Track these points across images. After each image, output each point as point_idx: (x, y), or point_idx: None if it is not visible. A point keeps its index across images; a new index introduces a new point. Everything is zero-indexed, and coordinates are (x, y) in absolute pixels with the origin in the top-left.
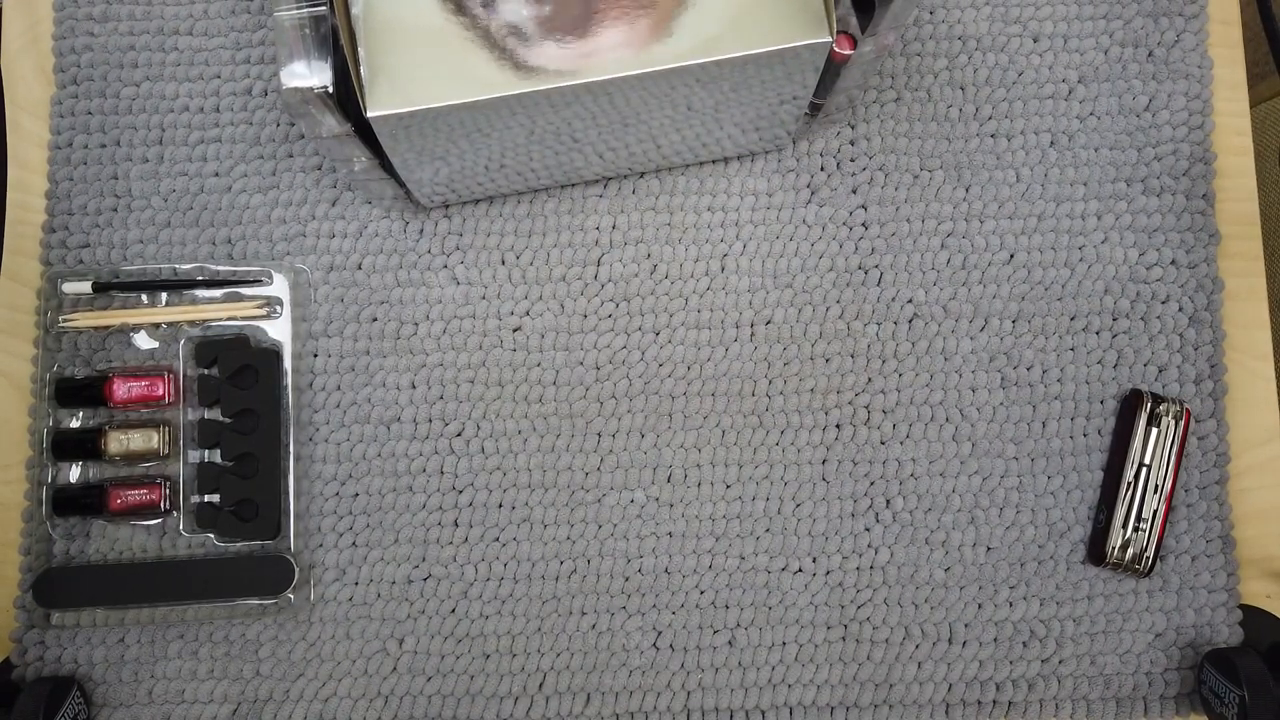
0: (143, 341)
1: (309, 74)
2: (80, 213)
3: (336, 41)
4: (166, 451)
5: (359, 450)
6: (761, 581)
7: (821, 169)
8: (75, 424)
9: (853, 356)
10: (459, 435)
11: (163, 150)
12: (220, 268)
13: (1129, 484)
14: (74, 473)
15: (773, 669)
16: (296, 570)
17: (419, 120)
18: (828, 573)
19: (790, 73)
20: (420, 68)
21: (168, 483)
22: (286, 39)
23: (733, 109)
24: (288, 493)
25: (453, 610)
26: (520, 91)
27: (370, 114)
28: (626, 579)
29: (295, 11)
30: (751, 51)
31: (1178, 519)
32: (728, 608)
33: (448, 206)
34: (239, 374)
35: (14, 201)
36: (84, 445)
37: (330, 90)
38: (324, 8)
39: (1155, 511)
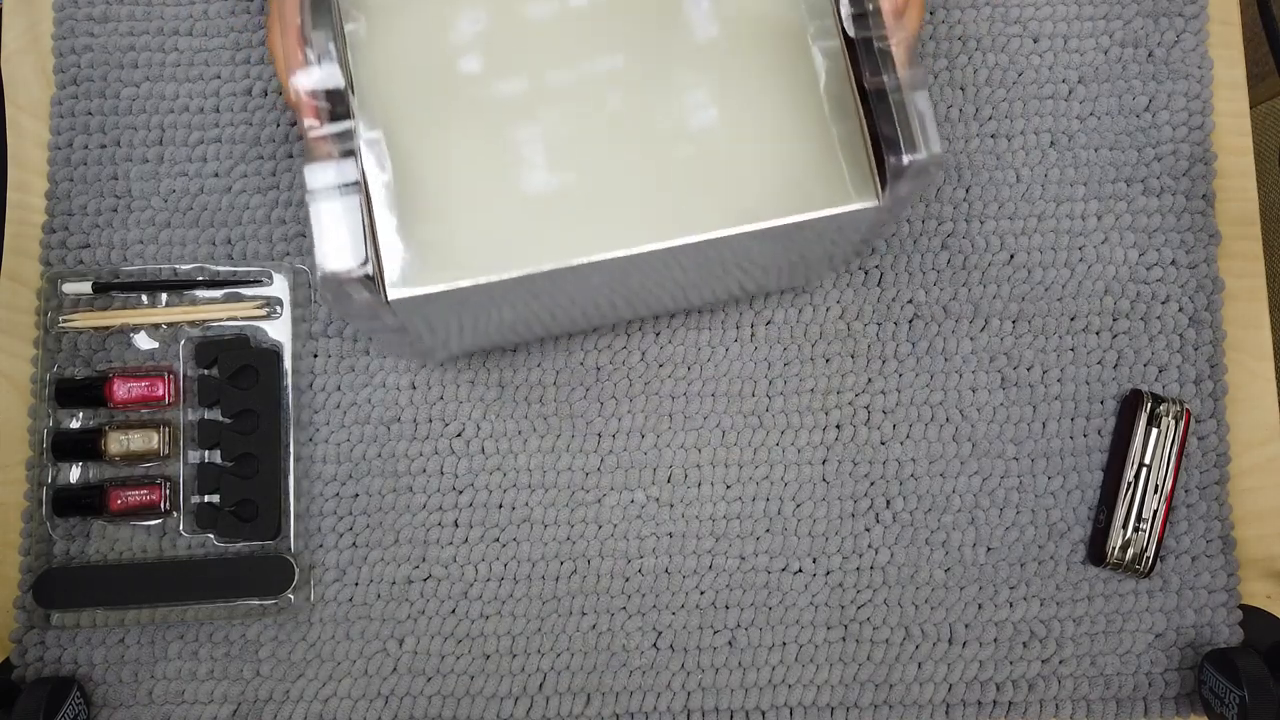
0: (143, 342)
1: (348, 255)
2: (80, 213)
3: (361, 209)
4: (167, 452)
5: (359, 450)
6: (761, 581)
7: None
8: (75, 424)
9: (853, 357)
10: (459, 435)
11: (163, 150)
12: (220, 268)
13: (1129, 484)
14: (74, 473)
15: (773, 669)
16: (296, 570)
17: (443, 299)
18: (828, 573)
19: (843, 228)
20: (446, 245)
21: (168, 483)
22: (321, 220)
23: (778, 261)
24: (288, 493)
25: (453, 610)
26: (550, 268)
27: (392, 297)
28: (626, 579)
29: (328, 190)
30: (801, 218)
31: (1178, 519)
32: (728, 608)
33: None
34: (239, 374)
35: (14, 201)
36: (84, 445)
37: (369, 273)
38: (356, 183)
39: (1155, 511)
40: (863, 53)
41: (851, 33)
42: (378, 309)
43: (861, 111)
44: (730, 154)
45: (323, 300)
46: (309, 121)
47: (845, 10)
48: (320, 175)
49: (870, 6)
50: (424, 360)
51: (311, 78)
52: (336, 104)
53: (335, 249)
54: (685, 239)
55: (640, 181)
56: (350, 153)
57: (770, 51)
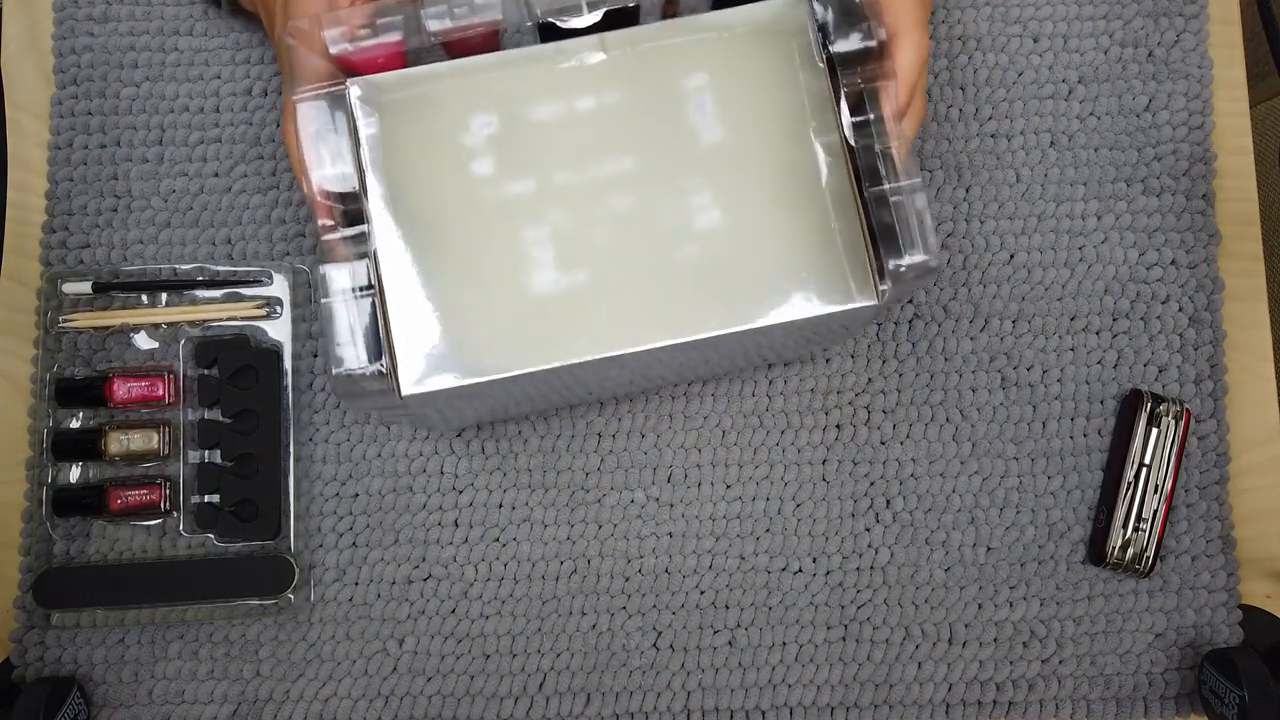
0: (143, 342)
1: (363, 355)
2: (80, 213)
3: (376, 310)
4: (167, 452)
5: (359, 450)
6: (761, 581)
7: None
8: (75, 424)
9: (853, 357)
10: (459, 435)
11: (163, 150)
12: (220, 268)
13: (1129, 484)
14: (74, 473)
15: (773, 669)
16: (296, 570)
17: (455, 392)
18: (828, 573)
19: (848, 320)
20: (458, 342)
21: (168, 483)
22: (336, 321)
23: (786, 350)
24: (288, 493)
25: (453, 610)
26: (559, 365)
27: (405, 392)
28: (626, 579)
29: (344, 291)
30: (803, 316)
31: (1178, 519)
32: (728, 608)
33: None
34: (239, 374)
35: (14, 201)
36: (84, 445)
37: (382, 369)
38: (371, 286)
39: (1155, 511)
40: (861, 155)
41: (852, 140)
42: (391, 401)
43: (861, 208)
44: (733, 254)
45: (335, 396)
46: (324, 222)
47: (845, 118)
48: (336, 277)
49: (871, 115)
50: (433, 433)
51: (327, 180)
52: (350, 204)
53: (349, 349)
54: (689, 336)
55: (646, 280)
56: (365, 255)
57: (773, 150)
